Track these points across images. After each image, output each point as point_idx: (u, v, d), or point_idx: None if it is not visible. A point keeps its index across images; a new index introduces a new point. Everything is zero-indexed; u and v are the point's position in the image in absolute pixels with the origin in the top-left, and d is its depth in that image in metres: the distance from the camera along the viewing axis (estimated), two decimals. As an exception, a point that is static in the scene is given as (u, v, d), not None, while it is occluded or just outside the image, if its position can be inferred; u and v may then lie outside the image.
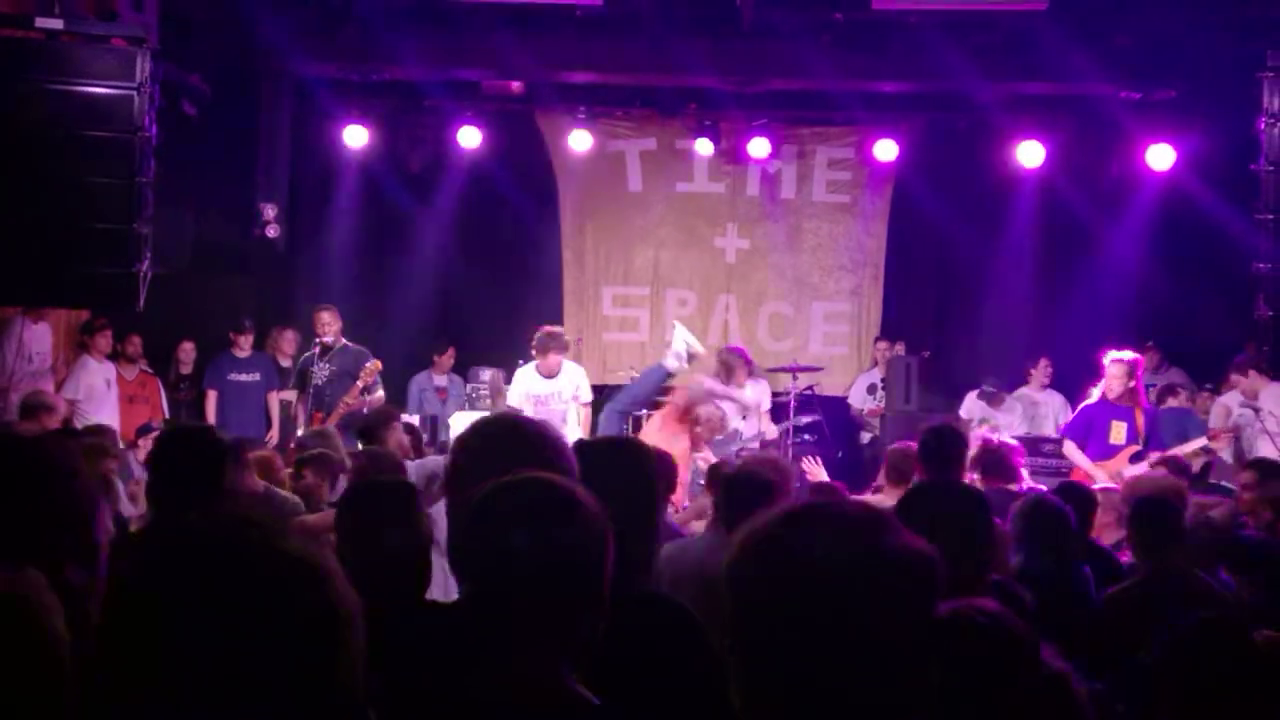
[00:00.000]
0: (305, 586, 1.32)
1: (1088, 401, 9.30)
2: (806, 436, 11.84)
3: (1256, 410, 9.66)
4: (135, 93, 7.48)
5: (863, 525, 1.48)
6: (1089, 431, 8.94)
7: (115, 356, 10.32)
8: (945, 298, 13.89)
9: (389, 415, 7.57)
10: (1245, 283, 8.22)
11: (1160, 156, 11.94)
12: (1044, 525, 4.73)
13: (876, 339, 13.21)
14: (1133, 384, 8.84)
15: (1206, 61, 10.34)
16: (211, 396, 11.15)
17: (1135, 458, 8.72)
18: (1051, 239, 13.33)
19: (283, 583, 1.31)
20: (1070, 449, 8.99)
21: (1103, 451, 8.79)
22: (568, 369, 10.21)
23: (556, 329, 10.50)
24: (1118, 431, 8.82)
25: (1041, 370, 11.95)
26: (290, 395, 11.28)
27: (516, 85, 12.40)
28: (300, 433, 9.92)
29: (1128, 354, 9.07)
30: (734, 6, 10.43)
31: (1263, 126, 7.46)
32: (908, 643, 1.43)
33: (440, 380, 12.24)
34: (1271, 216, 7.47)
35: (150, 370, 10.81)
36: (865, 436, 12.58)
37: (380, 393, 10.41)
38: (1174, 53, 10.62)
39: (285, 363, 11.65)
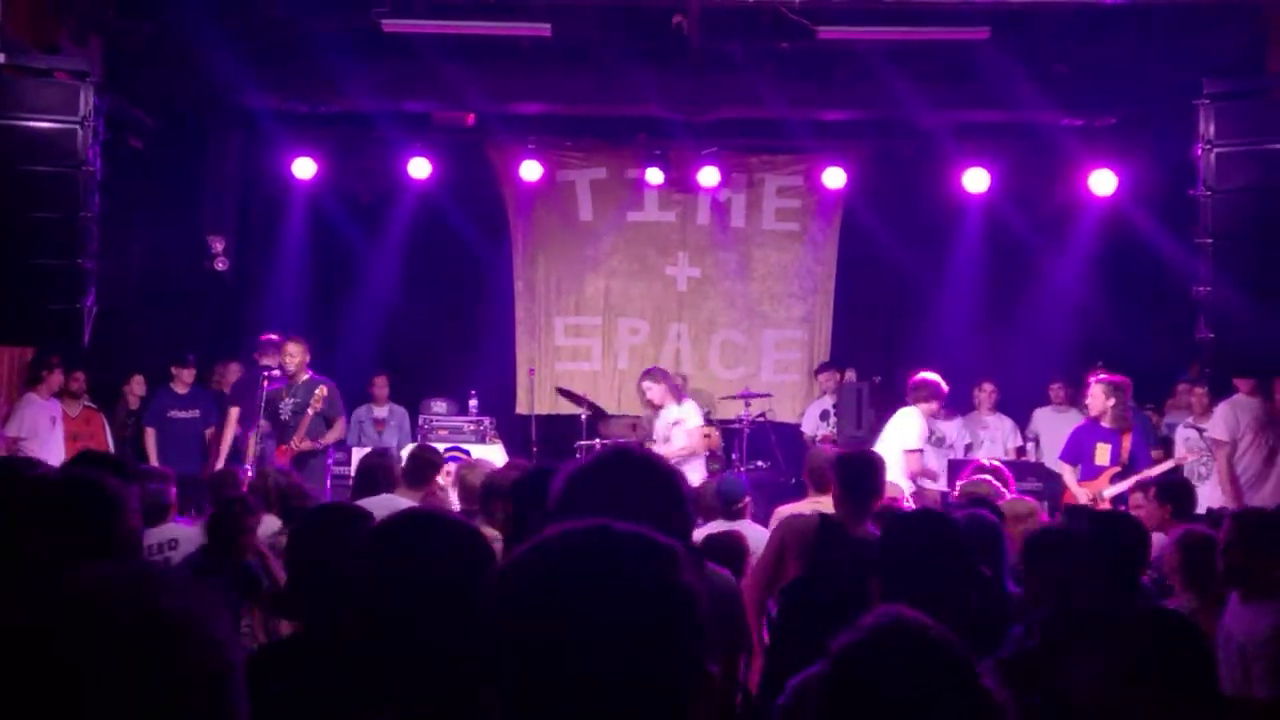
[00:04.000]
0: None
1: (1079, 423, 9.57)
2: (760, 463, 11.88)
3: (1200, 431, 9.79)
4: (79, 127, 7.42)
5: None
6: (1079, 453, 9.14)
7: (60, 393, 10.19)
8: (893, 323, 13.99)
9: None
10: (1186, 306, 8.33)
11: (1102, 182, 12.13)
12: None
13: (819, 369, 13.22)
14: (1112, 403, 8.99)
15: (1145, 89, 10.52)
16: (150, 434, 10.98)
17: (1116, 478, 8.87)
18: (996, 264, 13.47)
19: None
20: (1064, 470, 9.24)
21: (1089, 472, 9.00)
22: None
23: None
24: (1102, 453, 9.05)
25: (987, 394, 12.03)
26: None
27: (466, 116, 12.41)
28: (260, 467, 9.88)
29: (1117, 376, 9.28)
30: (681, 37, 10.50)
31: (1200, 153, 7.58)
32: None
33: (380, 412, 12.18)
34: (1210, 241, 7.58)
35: (94, 407, 10.66)
36: (818, 463, 12.58)
37: (341, 420, 10.37)
38: (1114, 80, 10.81)
39: (232, 396, 11.55)
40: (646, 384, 11.12)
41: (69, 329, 7.47)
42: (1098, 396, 9.19)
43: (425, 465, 7.29)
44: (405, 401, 12.46)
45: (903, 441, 9.60)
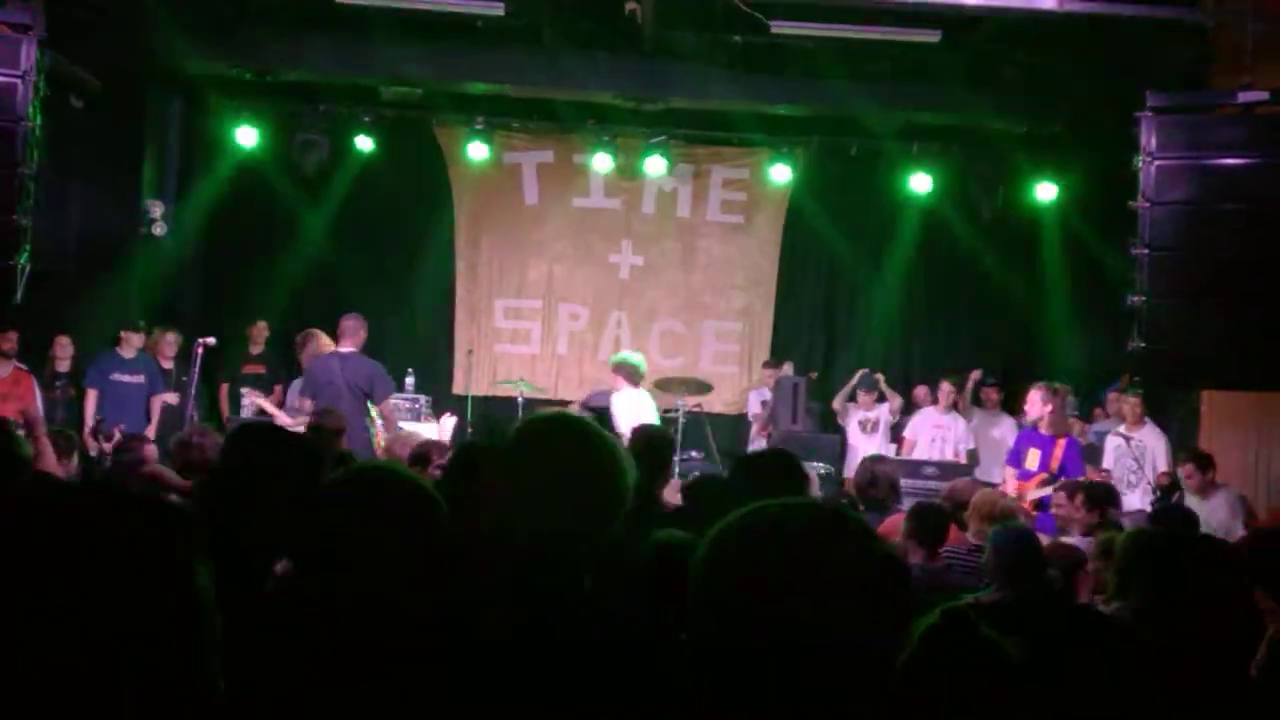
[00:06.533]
0: None
1: (1016, 427, 9.71)
2: (693, 453, 11.91)
3: (1129, 440, 9.95)
4: (20, 81, 7.29)
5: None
6: (1018, 458, 9.26)
7: (-11, 353, 10.00)
8: (833, 320, 14.08)
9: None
10: (1121, 315, 8.45)
11: (1044, 189, 12.29)
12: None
13: (764, 363, 13.27)
14: (1050, 409, 9.08)
15: (1090, 99, 10.66)
16: (92, 395, 10.81)
17: (1045, 485, 8.98)
18: (937, 265, 13.61)
19: None
20: (1006, 474, 9.39)
21: (1023, 476, 9.07)
22: None
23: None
24: (1032, 458, 9.14)
25: (944, 394, 12.04)
26: (173, 398, 11.06)
27: (414, 92, 12.31)
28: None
29: (1054, 384, 9.38)
30: (635, 24, 10.50)
31: (1141, 164, 7.70)
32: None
33: None
34: (1147, 251, 7.70)
35: (25, 368, 10.47)
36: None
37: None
38: (1059, 90, 10.95)
39: (166, 365, 11.40)
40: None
41: (1, 286, 7.32)
42: (1034, 402, 9.28)
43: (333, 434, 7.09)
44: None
45: None
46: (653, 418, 10.06)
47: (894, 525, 6.18)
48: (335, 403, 9.50)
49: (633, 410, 10.10)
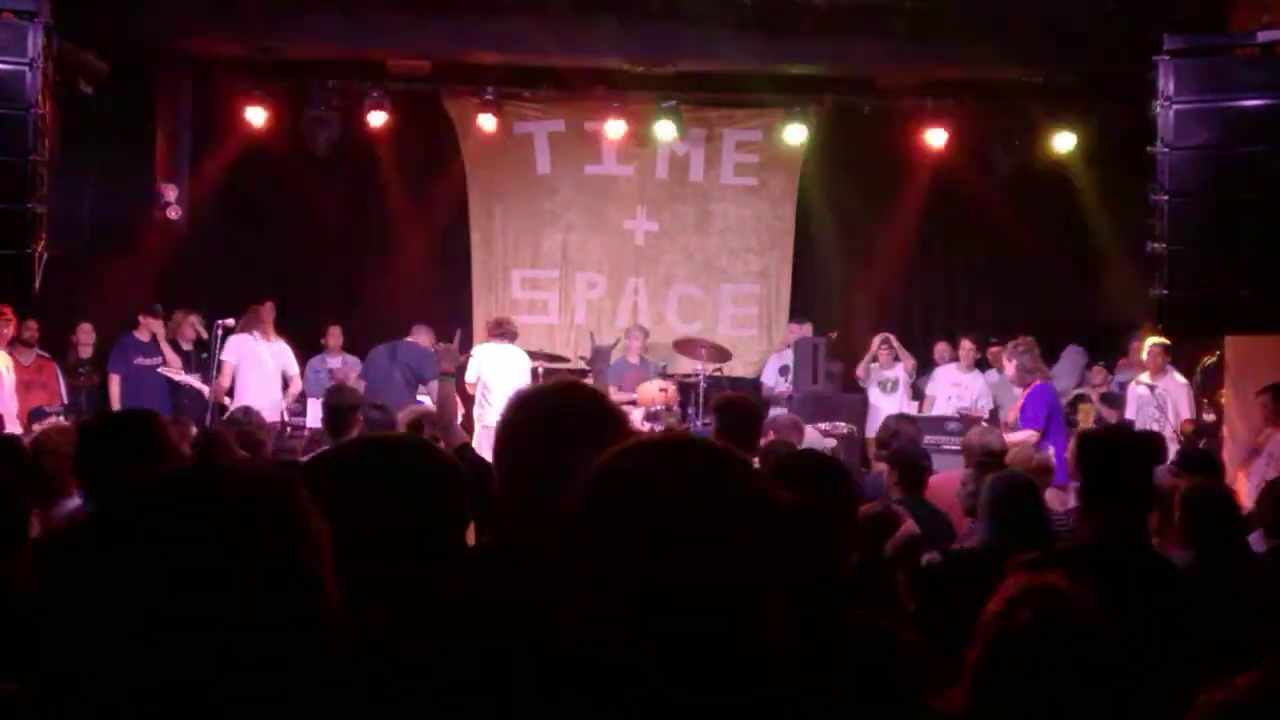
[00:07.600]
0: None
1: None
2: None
3: (1153, 388, 9.90)
4: (28, 68, 7.26)
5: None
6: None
7: (11, 342, 10.01)
8: (850, 280, 13.99)
9: None
10: (1143, 263, 8.37)
11: (1062, 140, 12.15)
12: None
13: (790, 320, 13.27)
14: (1014, 364, 8.99)
15: (1106, 46, 10.53)
16: (115, 381, 10.85)
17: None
18: (955, 221, 13.51)
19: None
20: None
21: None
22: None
23: None
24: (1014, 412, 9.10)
25: (965, 352, 11.98)
26: (195, 380, 11.09)
27: (422, 65, 12.25)
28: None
29: (1016, 341, 9.31)
30: (642, -12, 10.42)
31: (1159, 110, 7.61)
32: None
33: (334, 361, 12.09)
34: (1167, 198, 7.62)
35: (47, 355, 10.51)
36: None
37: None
38: (1075, 37, 10.80)
39: (187, 347, 11.44)
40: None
41: (19, 275, 7.33)
42: (1006, 366, 9.23)
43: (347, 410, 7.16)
44: (361, 354, 12.34)
45: None
46: (512, 374, 10.34)
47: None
48: (385, 385, 10.14)
49: (496, 367, 10.45)
